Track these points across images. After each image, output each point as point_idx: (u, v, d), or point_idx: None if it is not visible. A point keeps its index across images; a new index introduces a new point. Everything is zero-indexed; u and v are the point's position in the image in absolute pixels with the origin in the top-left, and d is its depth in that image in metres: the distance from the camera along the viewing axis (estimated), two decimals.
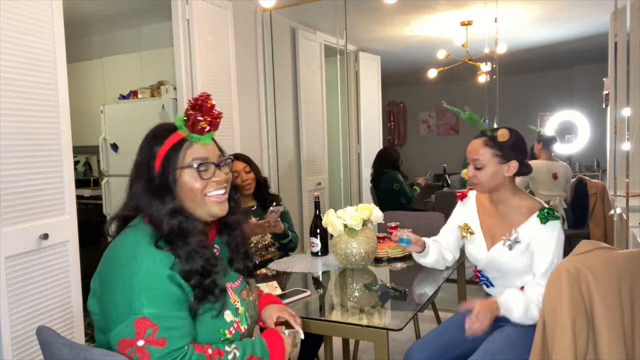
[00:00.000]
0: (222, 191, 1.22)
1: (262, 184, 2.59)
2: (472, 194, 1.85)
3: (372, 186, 4.29)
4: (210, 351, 1.14)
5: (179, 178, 1.17)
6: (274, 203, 2.49)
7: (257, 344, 1.23)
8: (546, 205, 1.65)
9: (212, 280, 1.17)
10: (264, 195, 2.58)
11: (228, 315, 1.21)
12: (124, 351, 1.08)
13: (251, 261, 1.38)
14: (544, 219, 1.61)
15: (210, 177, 1.20)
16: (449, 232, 1.91)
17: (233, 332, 1.21)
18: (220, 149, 1.26)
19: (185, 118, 1.18)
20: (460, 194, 1.90)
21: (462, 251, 1.92)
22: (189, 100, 1.20)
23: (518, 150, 1.67)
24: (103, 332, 1.17)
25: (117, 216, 1.24)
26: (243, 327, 1.25)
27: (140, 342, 1.07)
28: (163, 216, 1.16)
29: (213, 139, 1.24)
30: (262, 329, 1.41)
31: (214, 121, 1.19)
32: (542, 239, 1.60)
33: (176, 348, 1.09)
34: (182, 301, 1.13)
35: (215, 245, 1.31)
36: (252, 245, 2.44)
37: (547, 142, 3.81)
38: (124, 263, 1.12)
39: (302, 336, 1.40)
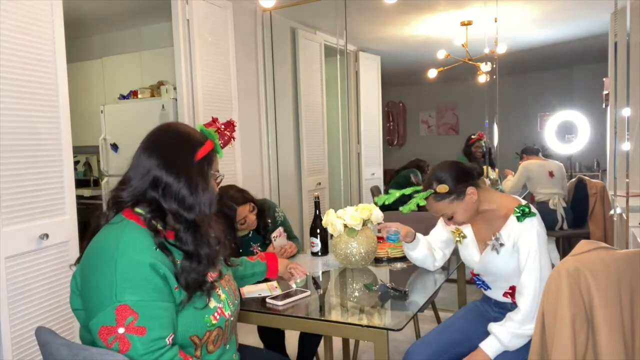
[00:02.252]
0: None
1: (262, 214, 2.39)
2: None
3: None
4: (190, 358, 1.18)
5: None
6: (275, 234, 2.29)
7: None
8: (522, 203, 1.65)
9: (206, 274, 1.25)
10: (261, 225, 2.38)
11: (211, 302, 1.26)
12: (104, 339, 1.09)
13: (229, 252, 1.47)
14: (521, 217, 1.61)
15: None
16: (439, 232, 1.94)
17: (218, 317, 1.26)
18: None
19: (217, 131, 1.33)
20: None
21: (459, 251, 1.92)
22: (214, 118, 1.36)
23: (464, 179, 1.67)
24: (87, 329, 1.17)
25: (124, 201, 1.24)
26: (227, 313, 1.30)
27: (121, 330, 1.09)
28: (206, 205, 1.25)
29: None
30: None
31: (231, 140, 1.38)
32: (523, 237, 1.60)
33: (155, 338, 1.11)
34: (163, 291, 1.15)
35: None
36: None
37: (528, 152, 3.85)
38: (107, 252, 1.15)
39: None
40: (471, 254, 1.77)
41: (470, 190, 1.65)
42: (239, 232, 2.31)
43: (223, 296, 1.31)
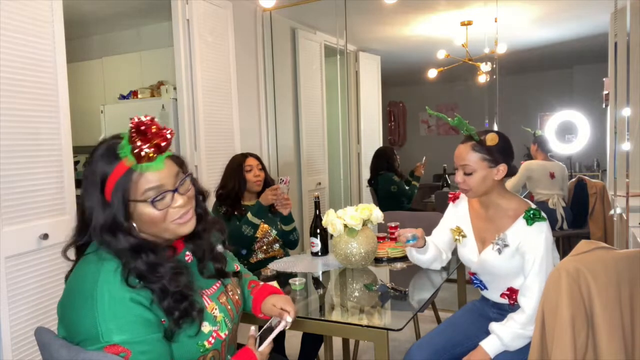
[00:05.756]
0: (185, 211, 1.14)
1: (268, 185, 2.57)
2: (464, 196, 1.85)
3: (371, 188, 4.30)
4: None
5: (133, 211, 1.09)
6: (284, 178, 2.49)
7: None
8: (532, 206, 1.64)
9: (189, 304, 1.12)
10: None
11: (205, 327, 1.17)
12: None
13: (221, 262, 1.30)
14: (530, 221, 1.59)
15: (169, 204, 1.11)
16: (441, 232, 1.92)
17: (212, 341, 1.18)
18: (178, 162, 1.17)
19: (131, 145, 1.07)
20: (452, 195, 1.90)
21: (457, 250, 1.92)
22: (131, 121, 1.06)
23: (506, 153, 1.66)
24: None
25: (72, 244, 1.16)
26: (223, 334, 1.22)
27: None
28: (126, 254, 1.08)
29: (168, 156, 1.13)
30: (238, 346, 1.38)
31: (165, 141, 1.08)
32: (530, 241, 1.59)
33: None
34: (151, 322, 1.08)
35: (187, 253, 1.25)
36: (258, 239, 2.46)
37: (541, 143, 3.85)
38: (86, 291, 1.06)
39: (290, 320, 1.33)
40: (469, 252, 1.76)
41: (503, 166, 1.64)
42: (245, 202, 2.52)
43: (220, 316, 1.22)
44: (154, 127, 1.07)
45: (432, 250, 1.86)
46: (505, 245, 1.63)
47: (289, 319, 1.32)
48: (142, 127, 1.06)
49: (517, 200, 1.69)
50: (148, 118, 1.08)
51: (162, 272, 1.10)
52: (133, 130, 1.06)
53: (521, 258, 1.62)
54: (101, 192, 1.08)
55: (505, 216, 1.67)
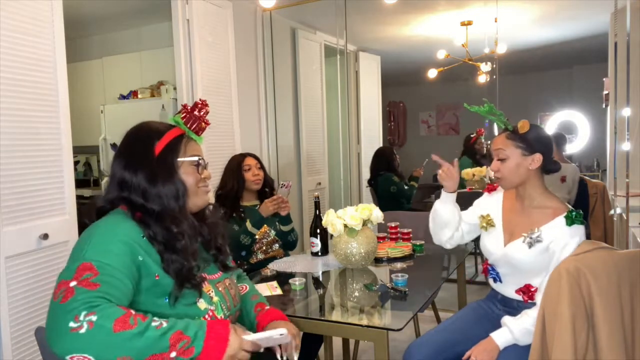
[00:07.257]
0: (208, 183, 1.36)
1: (268, 185, 2.60)
2: (500, 189, 1.83)
3: (371, 188, 4.29)
4: (133, 312, 1.06)
5: (179, 167, 1.27)
6: (285, 183, 2.49)
7: (192, 324, 1.10)
8: (573, 210, 1.62)
9: (193, 269, 1.22)
10: (267, 196, 2.57)
11: (202, 303, 1.23)
12: (55, 293, 1.05)
13: (224, 255, 1.42)
14: (570, 221, 1.58)
15: (202, 172, 1.33)
16: (469, 216, 1.88)
17: (208, 319, 1.22)
18: None
19: (184, 116, 1.30)
20: (489, 186, 1.89)
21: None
22: (183, 105, 1.31)
23: (542, 143, 1.65)
24: None
25: (99, 207, 1.26)
26: (219, 316, 1.27)
27: (73, 283, 1.04)
28: (170, 197, 1.23)
29: None
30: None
31: (206, 126, 1.36)
32: (563, 241, 1.57)
33: (103, 296, 1.04)
34: (132, 273, 1.12)
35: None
36: (257, 240, 2.45)
37: (558, 141, 3.78)
38: (91, 228, 1.17)
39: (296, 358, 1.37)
40: (494, 243, 1.74)
41: (538, 156, 1.63)
42: (244, 202, 2.52)
43: (215, 299, 1.28)
44: (208, 110, 1.34)
45: (455, 208, 1.83)
46: (538, 241, 1.61)
47: (286, 336, 1.28)
48: (199, 106, 1.32)
49: (557, 199, 1.67)
50: (205, 101, 1.35)
51: (183, 232, 1.23)
52: (192, 107, 1.31)
53: (549, 256, 1.60)
54: (149, 155, 1.24)
55: (541, 212, 1.65)
